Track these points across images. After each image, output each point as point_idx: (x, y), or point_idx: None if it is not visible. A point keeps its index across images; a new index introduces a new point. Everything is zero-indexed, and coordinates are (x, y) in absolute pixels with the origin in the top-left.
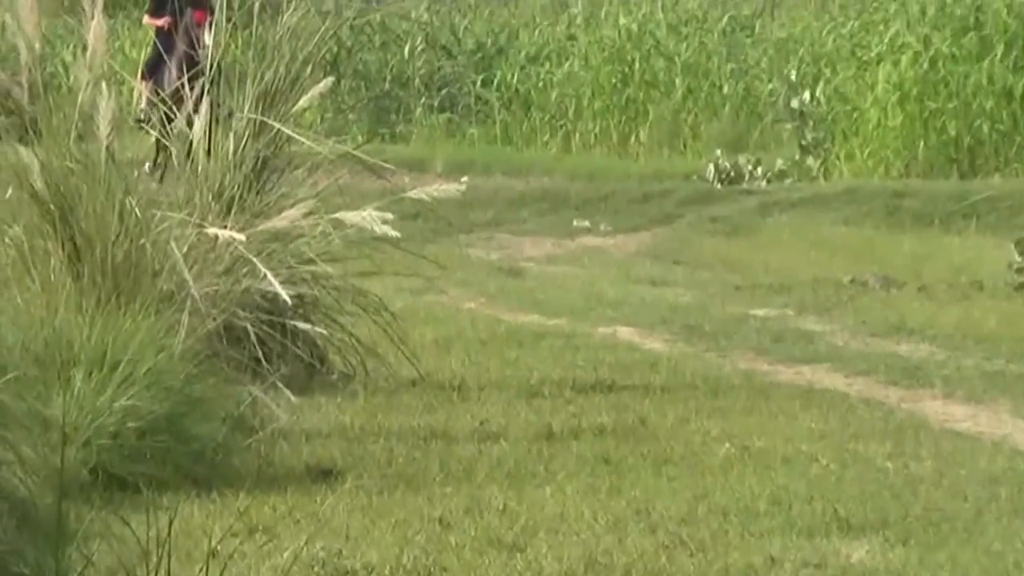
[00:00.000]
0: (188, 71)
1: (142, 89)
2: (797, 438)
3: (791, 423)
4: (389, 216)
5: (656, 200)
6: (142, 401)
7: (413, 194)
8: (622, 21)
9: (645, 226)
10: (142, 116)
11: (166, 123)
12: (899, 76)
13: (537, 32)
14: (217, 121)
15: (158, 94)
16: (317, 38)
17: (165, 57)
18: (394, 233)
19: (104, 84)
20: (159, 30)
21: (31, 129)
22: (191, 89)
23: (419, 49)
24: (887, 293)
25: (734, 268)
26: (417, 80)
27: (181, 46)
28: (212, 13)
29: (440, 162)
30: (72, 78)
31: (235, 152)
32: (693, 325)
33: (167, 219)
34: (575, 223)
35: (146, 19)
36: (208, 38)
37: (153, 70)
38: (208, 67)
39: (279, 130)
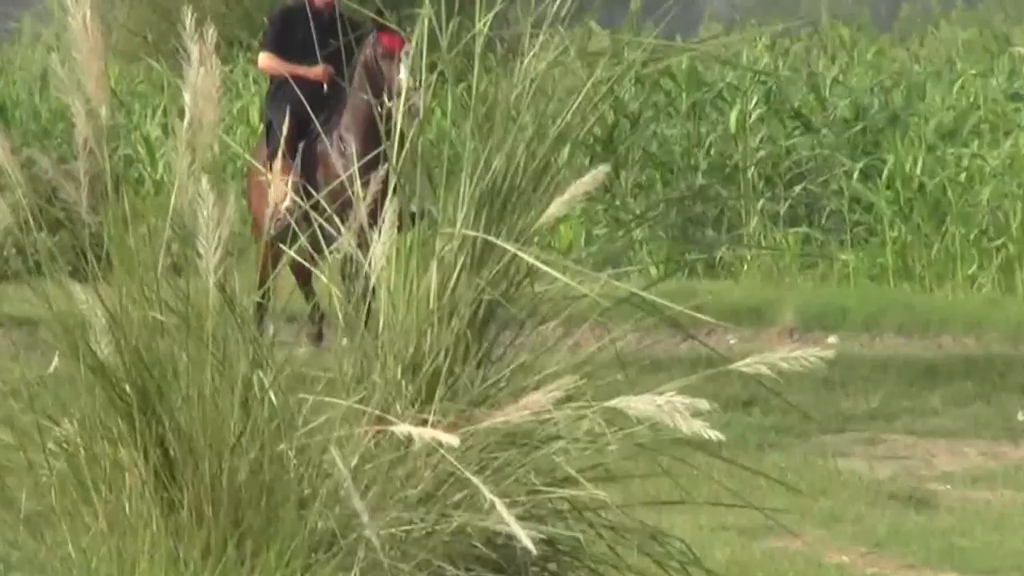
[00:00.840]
0: (369, 146)
1: (275, 177)
2: None
3: None
4: (704, 405)
5: None
6: None
7: (745, 365)
8: None
9: None
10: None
11: (322, 241)
12: None
13: (958, 87)
14: (410, 240)
15: (306, 189)
16: (579, 98)
17: (315, 122)
18: (714, 434)
19: (211, 177)
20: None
21: (93, 255)
22: (366, 182)
23: (754, 115)
24: None
25: None
26: (752, 170)
27: (361, 99)
28: (406, 42)
29: (791, 311)
30: (161, 165)
31: (440, 294)
32: None
33: (325, 409)
34: (1021, 416)
35: (265, 61)
36: (403, 73)
37: (292, 145)
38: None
39: (514, 255)
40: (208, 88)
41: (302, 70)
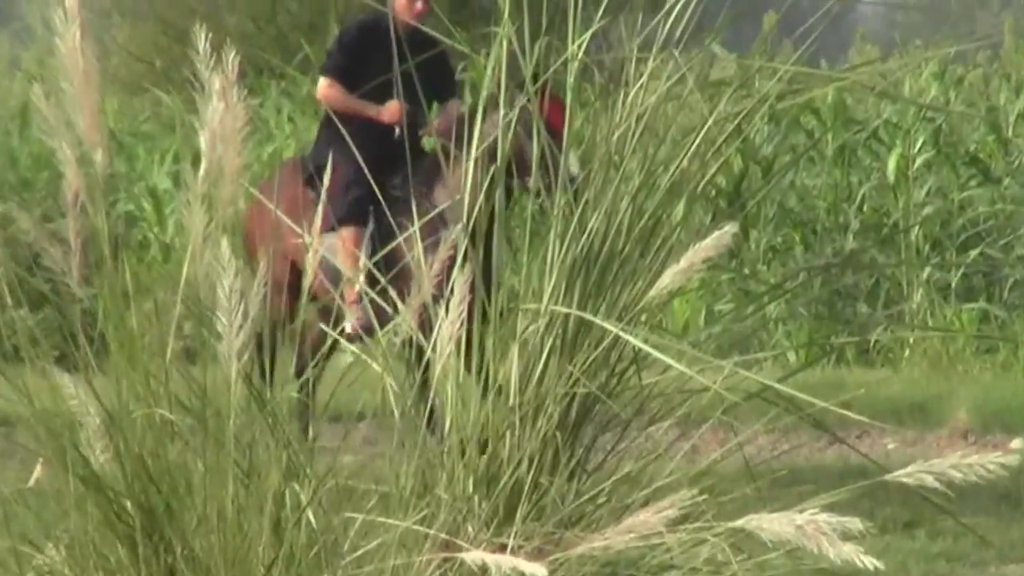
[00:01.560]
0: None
1: (341, 251)
2: None
3: None
4: (857, 525)
5: None
6: None
7: (906, 476)
8: None
9: None
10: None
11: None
12: None
13: None
14: (482, 321)
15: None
16: (698, 139)
17: (389, 181)
18: (870, 561)
19: (234, 240)
20: (370, 129)
21: (85, 337)
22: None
23: (919, 161)
24: None
25: None
26: (916, 231)
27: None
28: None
29: (965, 407)
30: (171, 224)
31: (523, 387)
32: None
33: (378, 531)
34: None
35: (325, 90)
36: (574, 163)
37: (364, 209)
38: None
39: (616, 338)
40: (230, 128)
41: (372, 110)
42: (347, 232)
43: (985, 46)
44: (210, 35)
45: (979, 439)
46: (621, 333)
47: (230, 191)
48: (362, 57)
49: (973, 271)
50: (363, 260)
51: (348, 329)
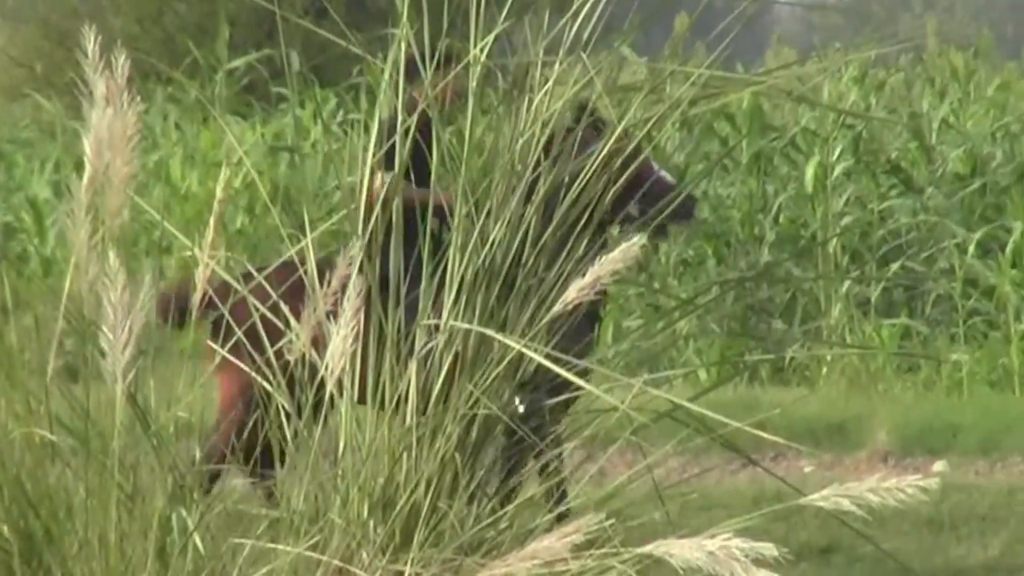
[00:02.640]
0: None
1: None
2: None
3: None
4: (771, 551)
5: None
6: None
7: (823, 499)
8: None
9: None
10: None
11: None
12: None
13: None
14: (379, 341)
15: None
16: (606, 146)
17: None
18: None
19: (120, 252)
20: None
21: None
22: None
23: (838, 170)
24: None
25: None
26: (835, 243)
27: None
28: None
29: (884, 429)
30: (52, 236)
31: (421, 406)
32: None
33: (268, 557)
34: None
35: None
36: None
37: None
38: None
39: (520, 355)
40: (118, 135)
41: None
42: None
43: (907, 49)
44: (97, 38)
45: (899, 461)
46: (524, 350)
47: (117, 201)
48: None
49: (894, 285)
50: None
51: None
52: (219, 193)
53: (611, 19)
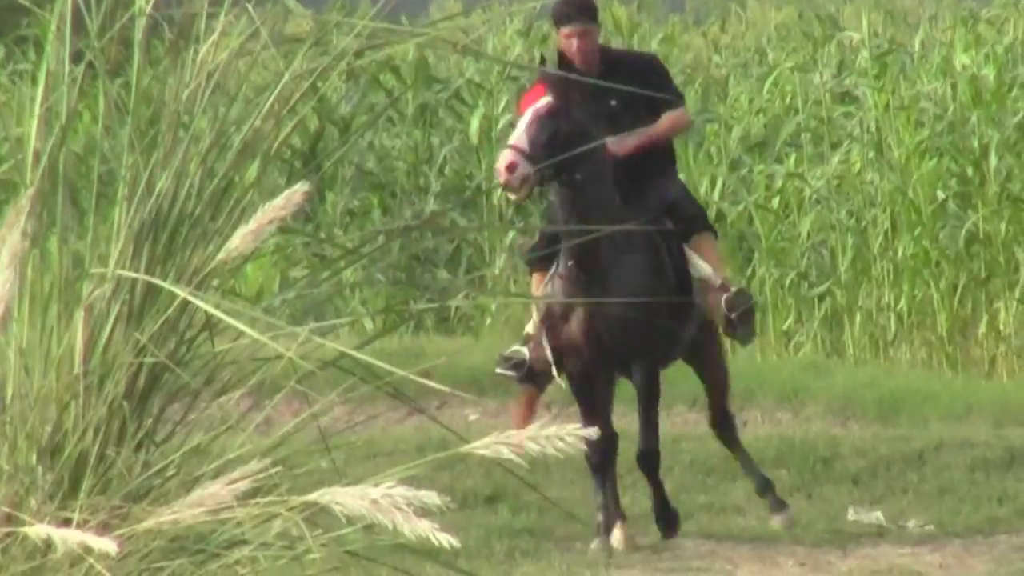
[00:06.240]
0: None
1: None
2: None
3: None
4: (435, 499)
5: None
6: None
7: (485, 447)
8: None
9: None
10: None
11: None
12: None
13: (770, 84)
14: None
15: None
16: (272, 98)
17: None
18: (446, 538)
19: None
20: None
21: None
22: None
23: (502, 122)
24: None
25: None
26: (499, 195)
27: None
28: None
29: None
30: None
31: (88, 354)
32: None
33: None
34: (851, 515)
35: None
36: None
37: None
38: None
39: (186, 303)
40: None
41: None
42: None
43: None
44: None
45: (563, 410)
46: (190, 298)
47: None
48: None
49: None
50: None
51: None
52: None
53: None
